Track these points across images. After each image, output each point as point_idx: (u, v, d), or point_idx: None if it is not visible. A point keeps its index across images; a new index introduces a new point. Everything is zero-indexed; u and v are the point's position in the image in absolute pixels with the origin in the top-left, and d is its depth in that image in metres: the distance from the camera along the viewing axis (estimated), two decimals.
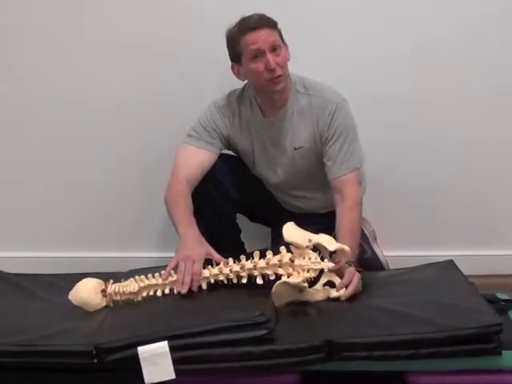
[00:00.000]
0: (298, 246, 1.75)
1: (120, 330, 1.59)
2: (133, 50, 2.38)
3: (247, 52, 1.92)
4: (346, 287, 1.74)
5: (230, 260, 1.79)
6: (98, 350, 1.47)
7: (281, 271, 1.74)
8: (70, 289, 1.78)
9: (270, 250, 1.79)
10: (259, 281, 1.74)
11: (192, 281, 1.75)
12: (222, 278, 1.77)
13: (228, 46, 1.97)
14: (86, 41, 2.39)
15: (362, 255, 2.12)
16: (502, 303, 1.74)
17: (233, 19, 1.95)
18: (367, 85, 2.33)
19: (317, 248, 1.78)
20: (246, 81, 2.05)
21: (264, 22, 1.91)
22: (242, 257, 1.78)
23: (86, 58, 2.41)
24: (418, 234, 2.46)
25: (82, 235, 2.55)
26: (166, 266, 1.81)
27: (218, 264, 1.79)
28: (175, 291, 1.75)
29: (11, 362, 1.51)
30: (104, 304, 1.78)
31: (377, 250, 2.24)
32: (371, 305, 1.70)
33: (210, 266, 1.79)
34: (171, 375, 1.46)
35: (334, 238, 1.84)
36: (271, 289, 1.67)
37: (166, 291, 1.77)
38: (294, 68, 2.02)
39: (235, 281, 1.76)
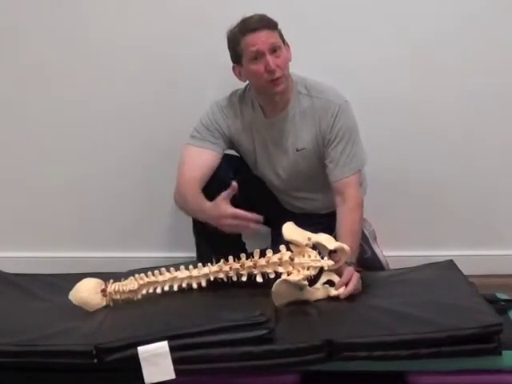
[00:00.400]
0: (297, 245, 1.76)
1: (120, 330, 1.59)
2: (133, 49, 2.38)
3: (247, 53, 1.92)
4: (346, 286, 1.75)
5: (230, 258, 1.79)
6: (98, 350, 1.47)
7: (281, 269, 1.74)
8: (70, 289, 1.78)
9: (270, 249, 1.79)
10: (259, 279, 1.74)
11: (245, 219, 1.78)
12: (221, 275, 1.77)
13: (229, 47, 1.97)
14: (86, 41, 2.40)
15: (362, 255, 2.12)
16: (502, 303, 1.74)
17: (234, 19, 1.95)
18: (367, 85, 2.33)
19: (316, 247, 1.78)
20: (248, 81, 2.05)
21: (264, 23, 1.91)
22: (242, 255, 1.78)
23: (86, 57, 2.41)
24: (417, 234, 2.46)
25: (82, 235, 2.55)
26: (166, 266, 1.81)
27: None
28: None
29: (11, 361, 1.51)
30: (104, 304, 1.78)
31: (377, 250, 2.24)
32: (371, 305, 1.70)
33: (209, 264, 1.79)
34: (171, 375, 1.46)
35: (334, 238, 1.84)
36: (271, 287, 1.67)
37: (166, 288, 1.78)
38: (295, 68, 2.02)
39: (235, 279, 1.77)
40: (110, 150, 2.48)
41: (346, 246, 1.78)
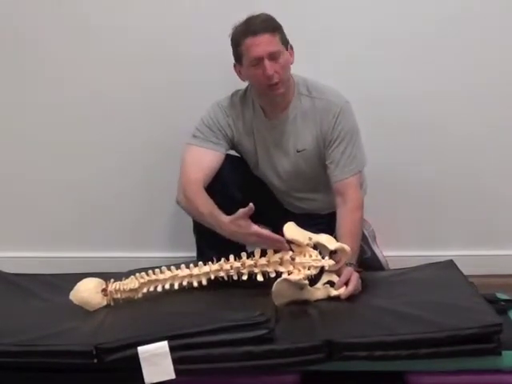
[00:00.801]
0: (298, 244, 1.76)
1: (120, 329, 1.59)
2: (134, 48, 2.38)
3: (247, 57, 1.92)
4: (346, 286, 1.75)
5: (231, 257, 1.79)
6: (98, 350, 1.47)
7: (281, 269, 1.74)
8: (70, 289, 1.78)
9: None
10: (260, 278, 1.74)
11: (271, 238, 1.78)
12: (222, 274, 1.77)
13: (231, 45, 1.97)
14: (86, 41, 2.40)
15: (362, 256, 2.12)
16: (502, 303, 1.75)
17: (236, 16, 1.94)
18: (368, 84, 2.33)
19: (317, 247, 1.78)
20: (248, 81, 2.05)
21: (266, 27, 1.90)
22: (243, 254, 1.78)
23: (87, 57, 2.41)
24: (418, 234, 2.46)
25: (82, 235, 2.55)
26: (164, 266, 1.81)
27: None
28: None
29: (11, 361, 1.51)
30: (105, 303, 1.78)
31: (376, 251, 2.24)
32: (371, 305, 1.70)
33: (210, 263, 1.79)
34: (171, 375, 1.46)
35: (335, 238, 1.85)
36: (271, 287, 1.67)
37: (167, 287, 1.78)
38: (295, 68, 2.01)
39: (235, 277, 1.77)
40: (111, 150, 2.48)
41: (346, 247, 1.78)
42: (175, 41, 2.35)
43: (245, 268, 1.76)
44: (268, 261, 1.75)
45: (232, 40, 1.96)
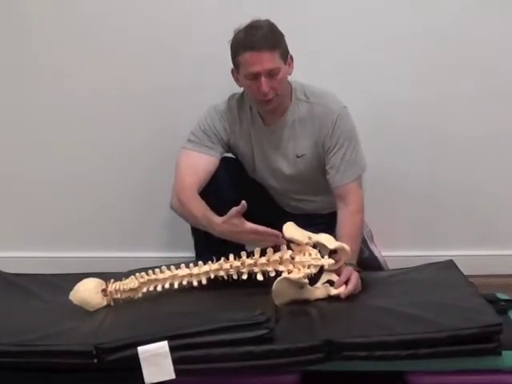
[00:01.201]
0: (298, 243, 1.76)
1: (120, 329, 1.59)
2: (134, 49, 2.38)
3: (244, 69, 1.90)
4: (346, 285, 1.75)
5: (231, 256, 1.79)
6: (98, 350, 1.47)
7: (281, 268, 1.74)
8: (70, 289, 1.78)
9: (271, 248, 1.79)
10: (260, 277, 1.74)
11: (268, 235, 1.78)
12: (222, 273, 1.77)
13: (231, 52, 1.95)
14: (86, 43, 2.40)
15: (360, 255, 2.12)
16: (502, 303, 1.74)
17: (237, 17, 1.93)
18: (367, 87, 2.33)
19: (317, 246, 1.79)
20: None
21: (266, 43, 1.86)
22: (243, 253, 1.78)
23: (86, 58, 2.41)
24: (418, 234, 2.46)
25: (82, 235, 2.55)
26: (164, 265, 1.81)
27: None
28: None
29: (11, 361, 1.51)
30: (105, 303, 1.78)
31: (374, 250, 2.24)
32: (371, 305, 1.70)
33: (210, 262, 1.79)
34: (171, 375, 1.46)
35: (334, 237, 1.85)
36: (271, 286, 1.67)
37: (166, 286, 1.78)
38: (295, 73, 2.00)
39: (235, 277, 1.76)
40: (111, 151, 2.48)
41: (346, 246, 1.78)
42: (175, 41, 2.35)
43: (244, 267, 1.75)
44: (268, 260, 1.75)
45: (231, 47, 1.94)
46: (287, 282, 1.68)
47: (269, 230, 1.77)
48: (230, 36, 1.94)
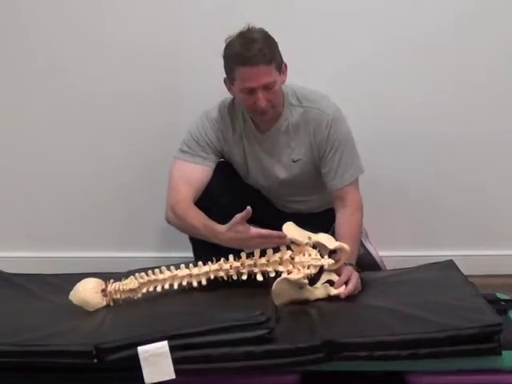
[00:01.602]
0: (297, 243, 1.76)
1: (120, 329, 1.59)
2: (134, 49, 2.38)
3: (239, 84, 1.87)
4: (346, 285, 1.75)
5: (231, 256, 1.79)
6: (98, 350, 1.47)
7: (281, 268, 1.74)
8: (70, 289, 1.78)
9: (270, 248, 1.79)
10: (259, 278, 1.74)
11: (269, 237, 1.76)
12: (222, 273, 1.77)
13: (224, 62, 1.90)
14: (85, 44, 2.40)
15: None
16: (502, 303, 1.75)
17: (232, 25, 1.89)
18: (364, 87, 2.34)
19: (316, 246, 1.79)
20: None
21: (262, 58, 1.82)
22: (243, 254, 1.78)
23: (85, 58, 2.41)
24: (417, 234, 2.46)
25: (82, 235, 2.55)
26: (164, 266, 1.81)
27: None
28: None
29: (11, 361, 1.51)
30: (104, 303, 1.78)
31: (369, 247, 2.24)
32: (371, 305, 1.70)
33: (209, 263, 1.79)
34: (171, 375, 1.46)
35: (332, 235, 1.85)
36: (271, 286, 1.67)
37: (166, 287, 1.78)
38: (293, 79, 1.99)
39: (235, 277, 1.76)
40: (111, 151, 2.49)
41: (346, 246, 1.78)
42: (172, 42, 2.35)
43: (244, 268, 1.75)
44: (267, 260, 1.75)
45: (225, 59, 1.89)
46: (287, 282, 1.68)
47: (273, 232, 1.76)
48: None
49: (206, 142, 2.02)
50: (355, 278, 1.77)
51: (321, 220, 2.06)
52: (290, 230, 1.78)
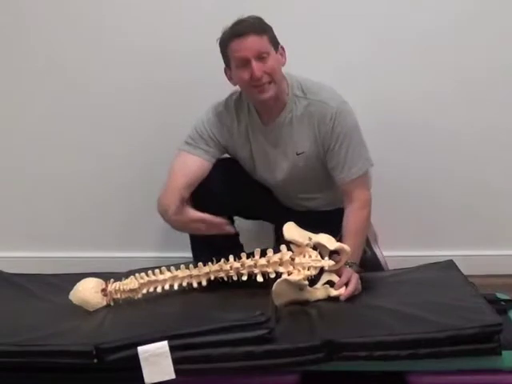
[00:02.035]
0: (298, 244, 1.76)
1: (120, 329, 1.59)
2: (134, 49, 2.38)
3: (234, 59, 1.88)
4: (346, 286, 1.75)
5: (231, 257, 1.79)
6: (98, 350, 1.47)
7: (281, 269, 1.74)
8: (70, 289, 1.78)
9: (274, 247, 1.79)
10: (259, 278, 1.74)
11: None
12: (222, 274, 1.77)
13: (220, 50, 1.93)
14: (85, 41, 2.40)
15: (362, 255, 2.12)
16: (502, 303, 1.74)
17: (232, 19, 1.92)
18: (366, 84, 2.33)
19: (317, 247, 1.78)
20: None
21: (252, 28, 1.84)
22: (243, 254, 1.78)
23: (85, 59, 2.41)
24: (418, 234, 2.46)
25: (82, 235, 2.55)
26: (164, 266, 1.81)
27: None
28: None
29: (11, 361, 1.51)
30: (104, 303, 1.78)
31: (377, 251, 2.23)
32: (371, 305, 1.70)
33: (210, 263, 1.79)
34: (171, 375, 1.46)
35: (341, 239, 1.84)
36: (271, 287, 1.67)
37: (166, 287, 1.78)
38: (291, 68, 2.00)
39: (235, 278, 1.76)
40: (111, 151, 2.49)
41: (346, 247, 1.78)
42: (173, 39, 2.35)
43: (244, 268, 1.75)
44: (268, 261, 1.74)
45: (220, 44, 1.91)
46: (287, 283, 1.68)
47: (216, 218, 1.81)
48: None
49: (210, 136, 2.02)
50: (355, 279, 1.77)
51: (333, 218, 2.02)
52: (291, 230, 1.77)
